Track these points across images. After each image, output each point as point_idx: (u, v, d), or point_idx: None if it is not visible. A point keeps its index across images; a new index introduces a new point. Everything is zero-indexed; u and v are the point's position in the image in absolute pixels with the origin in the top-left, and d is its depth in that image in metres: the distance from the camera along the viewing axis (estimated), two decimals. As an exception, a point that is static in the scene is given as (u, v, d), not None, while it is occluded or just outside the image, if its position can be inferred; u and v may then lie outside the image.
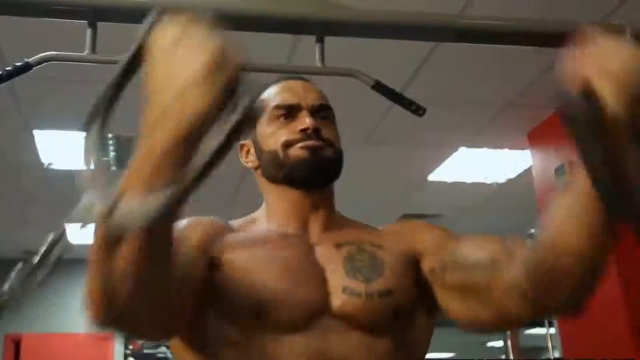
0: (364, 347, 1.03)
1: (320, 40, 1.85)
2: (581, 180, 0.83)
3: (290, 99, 1.19)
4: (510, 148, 4.38)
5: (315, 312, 1.03)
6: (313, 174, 1.15)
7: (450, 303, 1.10)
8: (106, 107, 0.77)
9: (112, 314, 0.82)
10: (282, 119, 1.18)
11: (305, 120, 1.14)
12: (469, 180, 4.97)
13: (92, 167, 0.73)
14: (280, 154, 1.15)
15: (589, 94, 0.75)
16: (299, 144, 1.13)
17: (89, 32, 1.75)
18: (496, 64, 3.30)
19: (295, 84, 1.24)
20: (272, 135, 1.18)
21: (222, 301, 1.04)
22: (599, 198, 0.80)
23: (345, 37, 1.88)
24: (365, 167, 3.68)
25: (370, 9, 1.90)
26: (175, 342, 1.09)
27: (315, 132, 1.13)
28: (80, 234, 6.15)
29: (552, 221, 0.94)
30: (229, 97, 0.65)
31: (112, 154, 4.34)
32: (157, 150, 0.66)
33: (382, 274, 1.08)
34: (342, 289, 1.05)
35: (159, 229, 0.74)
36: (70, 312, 6.81)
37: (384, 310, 1.05)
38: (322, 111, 1.21)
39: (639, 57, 0.77)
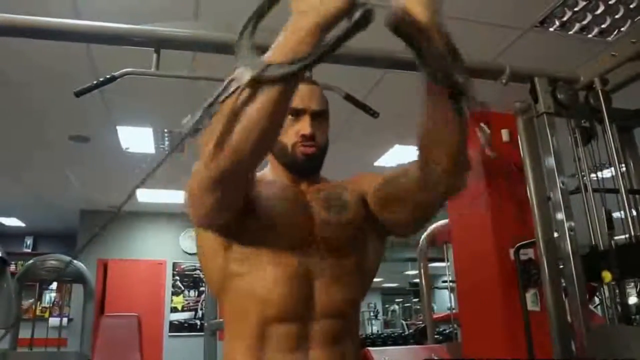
0: (334, 264, 1.02)
1: (310, 65, 1.82)
2: (432, 92, 0.83)
3: (297, 104, 1.08)
4: (427, 145, 4.39)
5: (304, 236, 1.01)
6: (304, 170, 1.10)
7: (383, 214, 1.06)
8: (258, 15, 0.77)
9: (226, 164, 0.77)
10: (290, 116, 1.08)
11: (307, 128, 1.07)
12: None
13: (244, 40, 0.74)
14: (289, 150, 1.08)
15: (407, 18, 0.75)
16: (301, 148, 1.07)
17: (154, 56, 1.70)
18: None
19: (302, 89, 1.10)
20: (283, 130, 1.07)
21: (249, 216, 0.98)
22: (431, 79, 0.80)
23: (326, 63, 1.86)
24: (334, 156, 3.60)
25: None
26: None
27: (311, 138, 1.07)
28: (145, 196, 6.08)
29: (421, 127, 0.88)
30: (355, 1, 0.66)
31: (167, 142, 4.28)
32: (302, 31, 0.68)
33: (346, 209, 1.06)
34: (322, 220, 1.03)
35: (290, 87, 0.73)
36: (140, 245, 6.77)
37: (347, 232, 1.04)
38: (320, 116, 1.11)
39: None
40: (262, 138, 0.76)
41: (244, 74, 0.70)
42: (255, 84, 0.70)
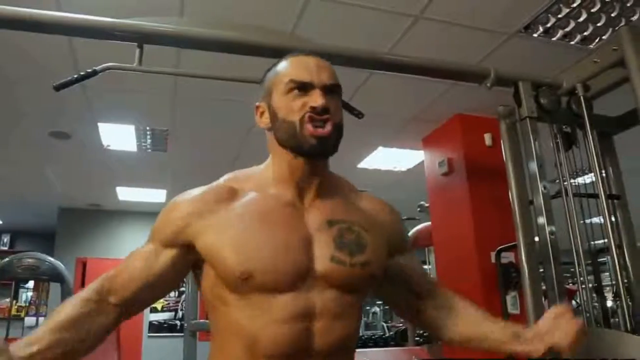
0: (337, 300, 0.89)
1: (295, 62, 1.80)
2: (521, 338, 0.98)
3: (305, 77, 0.91)
4: (410, 148, 4.40)
5: (302, 274, 0.87)
6: (316, 154, 0.93)
7: (386, 287, 1.07)
8: None
9: None
10: (295, 91, 0.91)
11: (317, 99, 0.89)
12: (384, 168, 4.98)
13: None
14: (297, 129, 0.89)
15: (556, 350, 0.95)
16: (310, 127, 0.89)
17: (137, 51, 1.67)
18: (405, 91, 3.30)
19: (309, 61, 0.94)
20: (287, 106, 0.91)
21: (216, 267, 0.89)
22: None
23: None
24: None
25: (324, 43, 1.87)
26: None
27: (324, 111, 0.89)
28: (126, 195, 6.00)
29: (472, 324, 1.04)
30: None
31: (149, 140, 4.22)
32: None
33: (364, 250, 0.92)
34: (331, 257, 0.89)
35: None
36: (120, 244, 6.67)
37: (364, 276, 0.92)
38: (333, 92, 0.93)
39: (580, 331, 0.92)
40: None
41: None
42: None
